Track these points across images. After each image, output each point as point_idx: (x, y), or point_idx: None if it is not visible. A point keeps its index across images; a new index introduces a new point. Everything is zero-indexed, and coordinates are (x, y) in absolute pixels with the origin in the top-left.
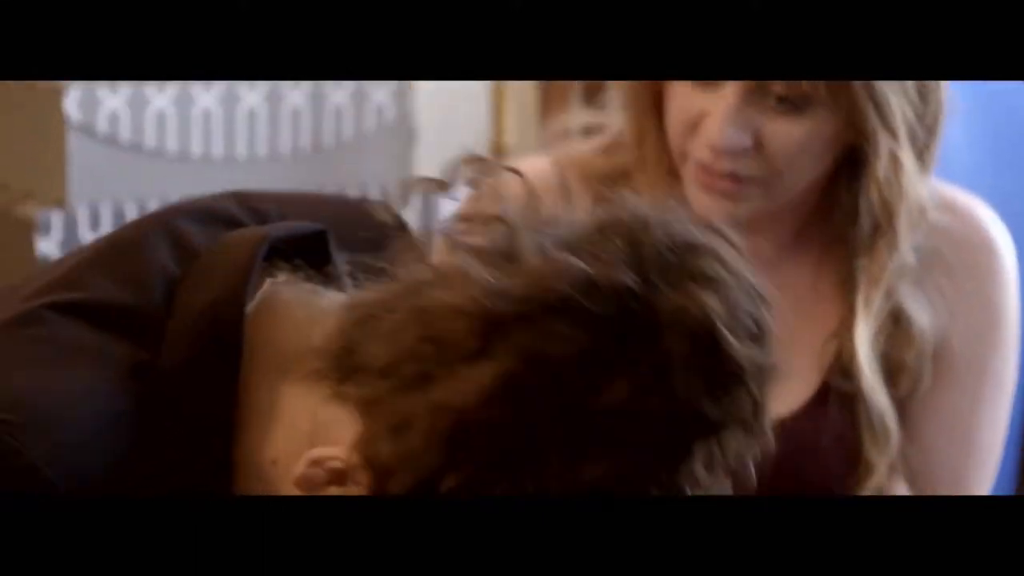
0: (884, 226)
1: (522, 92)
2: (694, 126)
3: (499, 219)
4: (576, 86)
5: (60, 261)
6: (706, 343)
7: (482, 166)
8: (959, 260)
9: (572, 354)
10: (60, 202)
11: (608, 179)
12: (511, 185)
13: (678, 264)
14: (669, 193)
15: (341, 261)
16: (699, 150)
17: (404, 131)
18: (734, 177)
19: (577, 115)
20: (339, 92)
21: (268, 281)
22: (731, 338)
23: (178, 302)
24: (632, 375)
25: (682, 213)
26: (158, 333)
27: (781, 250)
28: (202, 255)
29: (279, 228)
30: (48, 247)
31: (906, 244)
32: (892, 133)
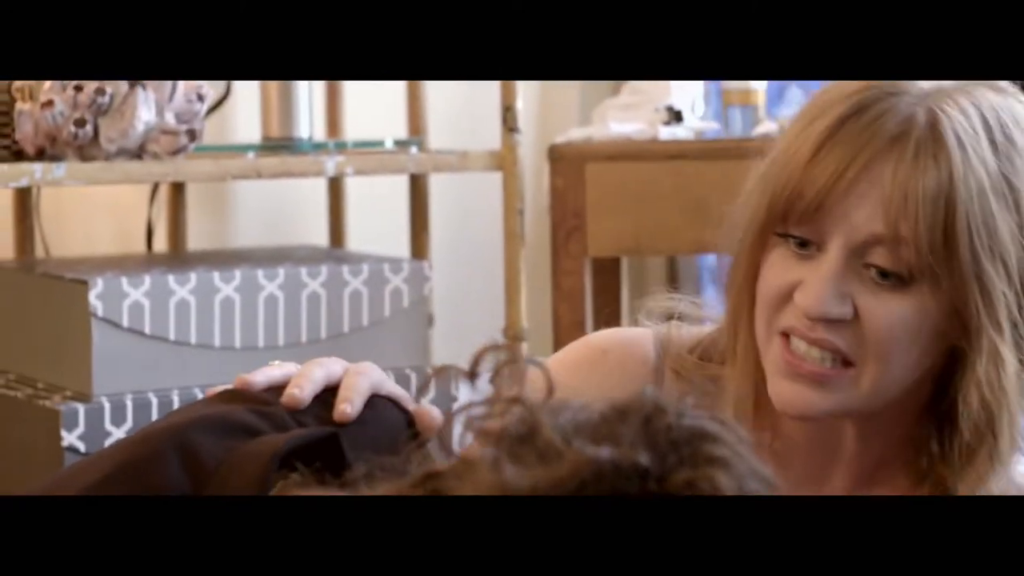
0: (985, 432)
1: (536, 276)
2: (787, 296)
3: (518, 402)
4: (587, 278)
5: (80, 470)
6: None
7: (504, 354)
8: None
9: None
10: (85, 396)
11: (695, 384)
12: (533, 374)
13: (690, 445)
14: (752, 397)
15: (359, 461)
16: (792, 317)
17: (420, 315)
18: (832, 354)
19: (667, 300)
20: (356, 279)
21: (280, 484)
22: None
23: None
24: None
25: (697, 408)
26: None
27: (861, 478)
28: (216, 472)
29: (292, 439)
30: (73, 440)
31: (1009, 456)
32: (996, 324)
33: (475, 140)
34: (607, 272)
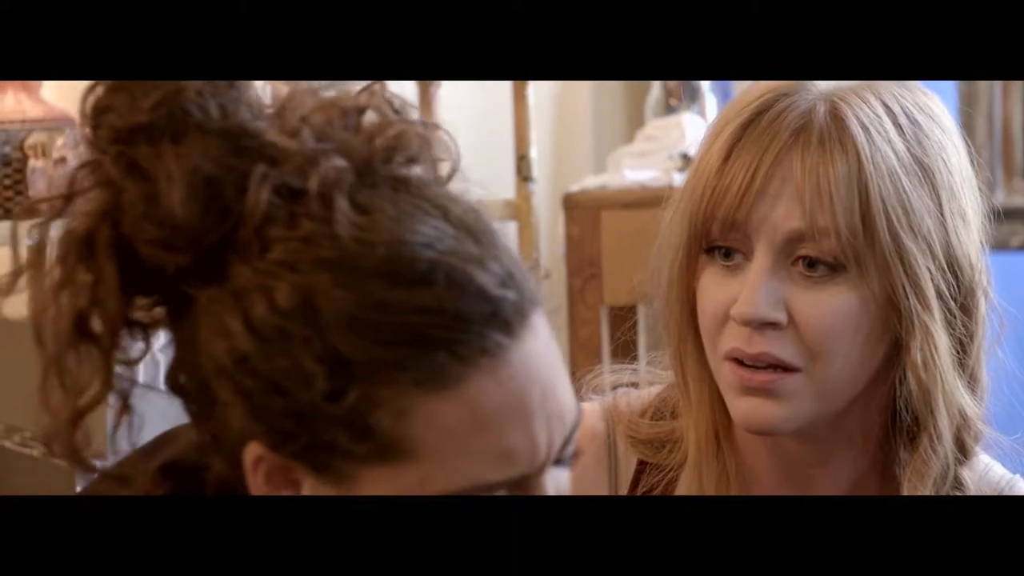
0: (924, 413)
1: (552, 325)
2: (725, 317)
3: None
4: (604, 327)
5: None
6: None
7: None
8: None
9: None
10: (101, 454)
11: (652, 444)
12: None
13: None
14: (713, 448)
15: None
16: (732, 337)
17: None
18: (771, 365)
19: (608, 371)
20: None
21: None
22: None
23: None
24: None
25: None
26: None
27: (828, 460)
28: None
29: None
30: None
31: (948, 442)
32: (924, 302)
33: (489, 189)
34: (624, 321)
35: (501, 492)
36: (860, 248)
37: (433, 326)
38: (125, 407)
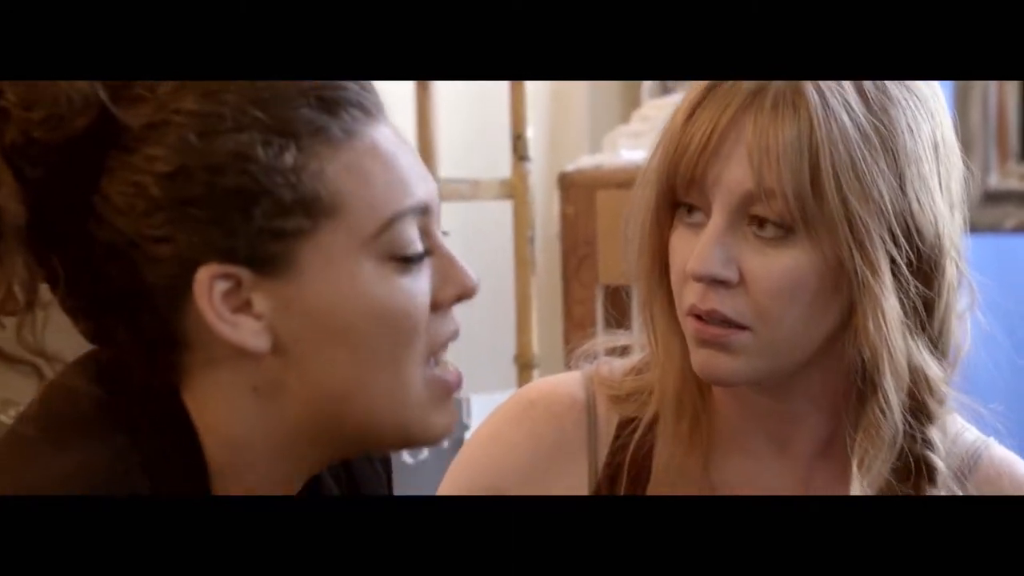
0: (873, 374)
1: (547, 304)
2: (687, 274)
3: None
4: (599, 306)
5: None
6: None
7: None
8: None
9: None
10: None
11: (633, 398)
12: None
13: None
14: (687, 401)
15: None
16: (691, 293)
17: None
18: (722, 321)
19: (602, 339)
20: None
21: None
22: None
23: None
24: None
25: None
26: None
27: (811, 461)
28: None
29: None
30: None
31: (896, 406)
32: (872, 267)
33: (486, 169)
34: (618, 300)
35: (411, 228)
36: (809, 211)
37: (336, 88)
38: (30, 303)
